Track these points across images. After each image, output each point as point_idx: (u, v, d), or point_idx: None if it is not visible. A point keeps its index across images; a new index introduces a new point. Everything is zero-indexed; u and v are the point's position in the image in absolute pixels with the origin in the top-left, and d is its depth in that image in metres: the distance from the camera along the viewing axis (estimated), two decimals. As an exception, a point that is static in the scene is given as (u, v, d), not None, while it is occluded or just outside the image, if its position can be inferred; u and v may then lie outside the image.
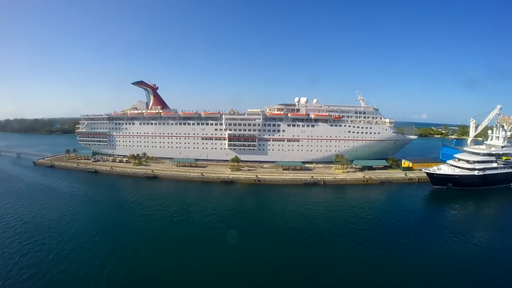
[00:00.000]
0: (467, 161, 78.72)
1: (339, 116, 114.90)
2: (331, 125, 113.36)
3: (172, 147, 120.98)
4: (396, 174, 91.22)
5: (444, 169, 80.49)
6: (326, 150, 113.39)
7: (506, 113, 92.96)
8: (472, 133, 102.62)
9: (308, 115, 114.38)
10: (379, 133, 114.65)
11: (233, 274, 37.67)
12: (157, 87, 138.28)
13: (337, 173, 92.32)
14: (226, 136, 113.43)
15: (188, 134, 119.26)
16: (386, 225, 54.40)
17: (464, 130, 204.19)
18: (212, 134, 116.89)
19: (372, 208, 64.52)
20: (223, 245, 45.39)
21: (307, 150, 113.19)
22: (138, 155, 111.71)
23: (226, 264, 39.88)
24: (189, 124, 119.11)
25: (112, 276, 36.59)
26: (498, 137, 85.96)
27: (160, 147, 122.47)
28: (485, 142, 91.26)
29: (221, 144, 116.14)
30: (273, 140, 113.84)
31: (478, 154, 79.95)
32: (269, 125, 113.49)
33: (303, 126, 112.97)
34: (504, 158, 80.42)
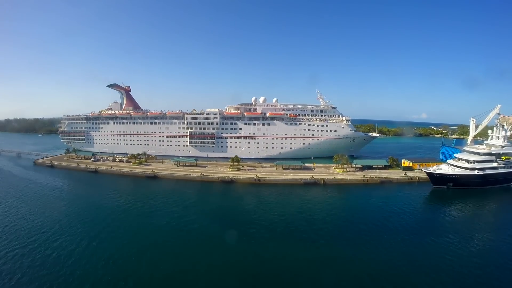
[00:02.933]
0: (467, 161, 78.69)
1: (295, 114, 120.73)
2: (287, 124, 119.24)
3: (141, 144, 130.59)
4: (396, 174, 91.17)
5: (444, 168, 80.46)
6: (281, 148, 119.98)
7: (506, 113, 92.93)
8: (472, 132, 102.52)
9: (264, 114, 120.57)
10: (335, 131, 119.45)
11: (233, 274, 37.68)
12: (130, 89, 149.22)
13: (337, 173, 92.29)
14: (188, 134, 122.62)
15: (155, 132, 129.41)
16: (386, 224, 54.36)
17: (464, 129, 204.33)
18: (175, 132, 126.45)
19: (372, 208, 64.49)
20: (223, 245, 45.35)
21: (263, 148, 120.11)
22: (138, 154, 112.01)
23: (226, 264, 39.91)
24: (155, 123, 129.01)
25: (112, 276, 36.59)
26: (498, 136, 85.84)
27: (131, 144, 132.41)
28: (485, 141, 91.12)
29: (183, 141, 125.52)
30: (230, 138, 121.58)
31: (478, 153, 79.90)
32: (226, 123, 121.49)
33: (258, 124, 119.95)
34: (504, 157, 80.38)
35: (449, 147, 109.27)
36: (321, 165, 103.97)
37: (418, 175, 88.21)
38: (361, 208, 64.35)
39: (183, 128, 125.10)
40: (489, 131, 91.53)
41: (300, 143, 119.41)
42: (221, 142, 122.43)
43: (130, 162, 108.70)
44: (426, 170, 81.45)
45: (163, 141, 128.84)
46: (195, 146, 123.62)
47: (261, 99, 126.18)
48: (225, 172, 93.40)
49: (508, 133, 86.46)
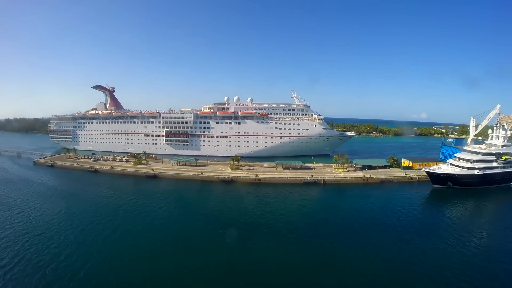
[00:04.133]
0: (467, 161, 78.69)
1: (266, 113, 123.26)
2: (258, 122, 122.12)
3: (121, 143, 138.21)
4: (396, 173, 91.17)
5: (444, 168, 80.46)
6: (253, 146, 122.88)
7: (507, 112, 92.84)
8: (472, 132, 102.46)
9: (236, 113, 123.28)
10: (307, 129, 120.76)
11: (232, 274, 37.68)
12: (114, 90, 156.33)
13: (337, 172, 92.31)
14: (164, 133, 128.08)
15: (134, 131, 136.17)
16: (386, 224, 54.38)
17: (464, 129, 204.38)
18: (152, 131, 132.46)
19: (372, 207, 64.48)
20: (222, 245, 45.38)
21: (235, 146, 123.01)
22: (138, 154, 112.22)
23: (225, 264, 39.90)
24: (134, 122, 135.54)
25: (112, 276, 36.58)
26: (498, 136, 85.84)
27: (113, 143, 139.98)
28: (485, 141, 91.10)
29: (160, 140, 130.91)
30: (204, 136, 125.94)
31: (478, 153, 79.88)
32: (200, 122, 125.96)
33: (230, 123, 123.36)
34: (504, 157, 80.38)
35: (449, 147, 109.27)
36: (321, 164, 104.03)
37: (418, 174, 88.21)
38: (361, 207, 64.33)
39: (159, 127, 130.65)
40: (489, 130, 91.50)
41: (272, 142, 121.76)
42: (195, 140, 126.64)
43: (130, 161, 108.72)
44: (426, 170, 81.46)
45: (141, 139, 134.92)
46: (171, 144, 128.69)
47: (235, 99, 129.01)
48: (225, 171, 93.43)
49: (508, 133, 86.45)
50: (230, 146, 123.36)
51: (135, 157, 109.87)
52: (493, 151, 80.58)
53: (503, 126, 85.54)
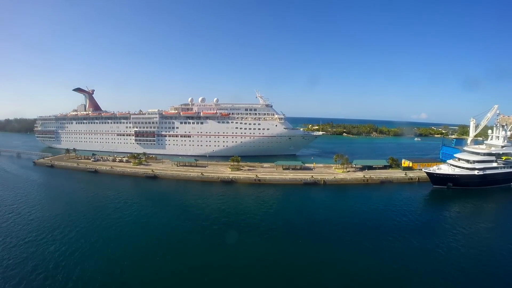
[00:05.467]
0: (467, 161, 78.65)
1: (227, 113, 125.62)
2: (219, 122, 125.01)
3: (97, 142, 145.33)
4: (396, 174, 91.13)
5: (444, 168, 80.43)
6: (215, 145, 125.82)
7: (507, 113, 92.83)
8: (472, 132, 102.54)
9: (199, 113, 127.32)
10: (268, 129, 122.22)
11: (232, 274, 37.67)
12: (93, 92, 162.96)
13: (337, 173, 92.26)
14: (133, 132, 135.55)
15: (107, 131, 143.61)
16: (386, 224, 54.36)
17: (464, 129, 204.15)
18: (124, 131, 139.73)
19: (372, 208, 64.43)
20: (223, 245, 45.33)
21: (198, 145, 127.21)
22: (138, 154, 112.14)
23: (225, 264, 39.86)
24: (108, 123, 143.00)
25: (112, 277, 36.58)
26: (498, 136, 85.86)
27: (90, 142, 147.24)
28: (485, 141, 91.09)
29: (130, 139, 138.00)
30: (169, 136, 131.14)
31: (478, 153, 79.84)
32: (165, 122, 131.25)
33: (193, 123, 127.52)
34: (504, 157, 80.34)
35: (449, 147, 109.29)
36: (321, 165, 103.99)
37: (418, 175, 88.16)
38: (361, 208, 64.27)
39: (129, 127, 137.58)
40: (489, 131, 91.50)
41: (233, 141, 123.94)
42: (161, 140, 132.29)
43: (130, 162, 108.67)
44: (426, 170, 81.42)
45: (114, 139, 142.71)
46: (140, 143, 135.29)
47: (199, 99, 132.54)
48: (225, 172, 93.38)
49: (508, 133, 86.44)
50: (193, 145, 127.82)
51: (135, 157, 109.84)
52: (493, 152, 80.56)
53: (503, 126, 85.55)
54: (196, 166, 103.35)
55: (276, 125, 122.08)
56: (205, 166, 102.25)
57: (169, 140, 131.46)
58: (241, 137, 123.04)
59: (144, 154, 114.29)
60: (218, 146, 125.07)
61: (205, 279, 36.38)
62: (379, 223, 55.14)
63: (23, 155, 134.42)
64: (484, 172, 77.43)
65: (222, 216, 58.15)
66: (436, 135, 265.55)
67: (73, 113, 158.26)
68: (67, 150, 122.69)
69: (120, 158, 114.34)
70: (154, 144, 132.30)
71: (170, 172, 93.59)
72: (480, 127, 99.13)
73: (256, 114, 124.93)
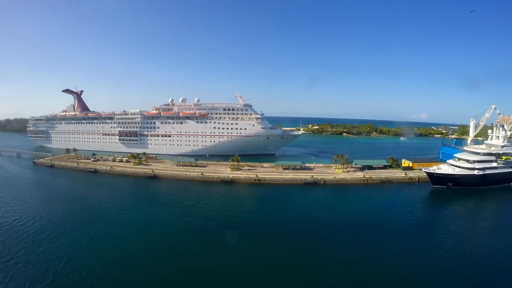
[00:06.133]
0: (467, 161, 78.66)
1: (206, 113, 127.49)
2: (198, 122, 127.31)
3: (84, 141, 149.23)
4: (396, 174, 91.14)
5: (444, 168, 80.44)
6: (194, 145, 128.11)
7: (507, 113, 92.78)
8: (472, 132, 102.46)
9: (179, 113, 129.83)
10: (245, 128, 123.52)
11: (232, 274, 37.65)
12: (81, 93, 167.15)
13: (337, 173, 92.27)
14: (117, 132, 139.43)
15: (94, 131, 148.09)
16: (386, 224, 54.33)
17: (464, 129, 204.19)
18: (108, 131, 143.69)
19: (372, 208, 64.43)
20: (222, 245, 45.39)
21: (178, 145, 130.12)
22: (138, 154, 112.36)
23: (225, 264, 39.85)
24: (94, 123, 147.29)
25: (112, 277, 36.56)
26: (498, 136, 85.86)
27: (78, 141, 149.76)
28: (485, 141, 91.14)
29: (114, 139, 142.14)
30: (150, 136, 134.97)
31: (478, 153, 79.83)
32: (147, 123, 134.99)
33: (173, 123, 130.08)
34: (504, 157, 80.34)
35: (449, 147, 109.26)
36: (321, 165, 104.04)
37: (418, 175, 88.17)
38: (361, 208, 64.29)
39: (114, 127, 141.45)
40: (489, 131, 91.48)
41: (211, 141, 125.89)
42: (143, 139, 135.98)
43: (130, 162, 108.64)
44: (426, 170, 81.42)
45: (100, 138, 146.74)
46: (123, 143, 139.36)
47: (180, 99, 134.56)
48: (225, 172, 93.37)
49: (508, 133, 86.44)
50: (173, 145, 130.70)
51: (135, 157, 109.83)
52: (493, 152, 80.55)
53: (502, 126, 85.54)
54: (196, 166, 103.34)
55: (253, 125, 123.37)
56: (205, 166, 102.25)
57: (150, 140, 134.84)
58: (219, 137, 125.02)
59: (145, 154, 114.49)
60: (197, 145, 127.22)
61: (205, 279, 36.42)
62: (379, 223, 55.12)
63: (23, 155, 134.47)
64: (484, 172, 77.43)
65: (222, 216, 58.16)
66: (436, 135, 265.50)
67: (63, 113, 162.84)
68: (67, 150, 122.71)
69: (120, 158, 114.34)
70: (136, 143, 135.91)
71: (170, 172, 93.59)
72: (480, 127, 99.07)
73: (234, 114, 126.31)
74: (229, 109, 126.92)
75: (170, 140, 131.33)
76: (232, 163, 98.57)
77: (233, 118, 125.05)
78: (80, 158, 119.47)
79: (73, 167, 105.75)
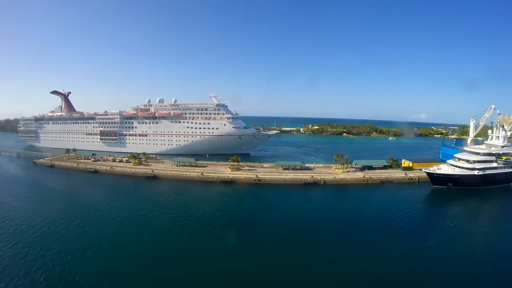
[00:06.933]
0: (467, 161, 78.62)
1: (180, 113, 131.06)
2: (172, 122, 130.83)
3: (70, 141, 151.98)
4: (396, 174, 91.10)
5: (444, 168, 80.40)
6: (168, 144, 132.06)
7: (507, 113, 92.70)
8: (472, 133, 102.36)
9: (155, 113, 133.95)
10: (217, 128, 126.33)
11: (232, 274, 37.64)
12: (68, 94, 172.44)
13: (337, 173, 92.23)
14: (99, 132, 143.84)
15: (77, 130, 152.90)
16: (386, 225, 54.35)
17: (464, 130, 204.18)
18: (91, 131, 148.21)
19: (372, 208, 64.47)
20: (222, 245, 45.33)
21: (154, 144, 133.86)
22: (138, 154, 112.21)
23: (225, 264, 39.82)
24: (78, 123, 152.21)
25: (112, 277, 36.54)
26: (498, 137, 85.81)
27: (63, 141, 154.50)
28: (485, 142, 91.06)
29: (96, 138, 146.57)
30: (129, 135, 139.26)
31: (478, 153, 79.78)
32: (126, 123, 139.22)
33: (149, 123, 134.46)
34: (504, 158, 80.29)
35: (449, 147, 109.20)
36: (321, 165, 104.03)
37: (418, 175, 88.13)
38: (361, 208, 64.25)
39: (96, 127, 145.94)
40: (489, 131, 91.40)
41: (185, 140, 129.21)
42: (122, 139, 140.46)
43: (130, 162, 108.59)
44: (426, 170, 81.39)
45: (83, 138, 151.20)
46: (104, 142, 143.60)
47: (157, 100, 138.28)
48: (225, 172, 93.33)
49: (508, 133, 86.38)
50: (149, 144, 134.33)
51: (135, 157, 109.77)
52: (493, 152, 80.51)
53: (503, 126, 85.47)
54: (196, 166, 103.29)
55: (224, 125, 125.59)
56: (205, 166, 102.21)
57: (129, 139, 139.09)
58: (192, 136, 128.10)
59: (143, 154, 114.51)
60: (172, 145, 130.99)
61: (205, 279, 36.37)
62: (379, 223, 55.11)
63: (23, 155, 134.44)
64: (484, 172, 77.40)
65: (222, 216, 58.13)
66: (436, 135, 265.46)
67: (51, 114, 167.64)
68: (67, 150, 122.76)
69: (120, 158, 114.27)
70: (116, 142, 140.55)
71: (170, 172, 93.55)
72: (479, 127, 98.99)
73: (207, 114, 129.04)
74: (202, 109, 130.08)
75: (146, 140, 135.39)
76: (232, 163, 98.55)
77: (205, 118, 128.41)
78: (80, 158, 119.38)
79: (73, 167, 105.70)
